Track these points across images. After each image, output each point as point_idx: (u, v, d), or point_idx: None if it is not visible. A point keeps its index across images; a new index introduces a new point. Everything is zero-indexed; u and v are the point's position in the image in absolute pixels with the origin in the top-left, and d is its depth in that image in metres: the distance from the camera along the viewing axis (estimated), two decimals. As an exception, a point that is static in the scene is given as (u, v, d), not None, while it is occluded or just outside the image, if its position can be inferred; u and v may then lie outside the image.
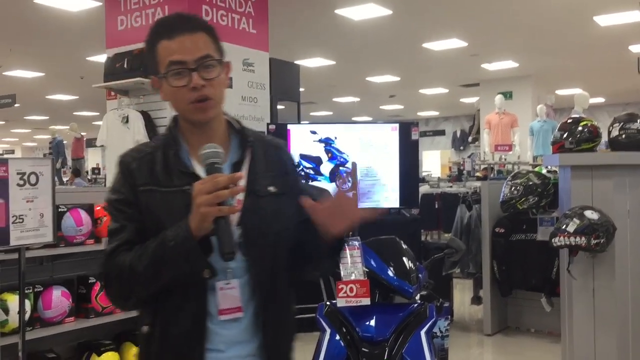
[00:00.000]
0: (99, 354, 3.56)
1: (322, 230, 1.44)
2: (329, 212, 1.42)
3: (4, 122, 20.59)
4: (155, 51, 1.46)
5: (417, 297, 2.34)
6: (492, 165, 9.49)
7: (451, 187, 8.58)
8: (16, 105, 12.14)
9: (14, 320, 3.13)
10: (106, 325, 3.63)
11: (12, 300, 3.15)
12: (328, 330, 2.16)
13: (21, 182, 2.75)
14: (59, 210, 3.39)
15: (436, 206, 8.17)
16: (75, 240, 3.49)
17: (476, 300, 6.01)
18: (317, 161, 5.98)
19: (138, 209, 1.44)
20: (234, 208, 1.34)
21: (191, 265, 1.35)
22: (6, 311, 3.12)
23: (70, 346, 3.62)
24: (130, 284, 1.38)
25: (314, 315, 2.34)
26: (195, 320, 1.41)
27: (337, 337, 2.15)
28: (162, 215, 1.42)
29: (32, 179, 2.80)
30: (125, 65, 5.80)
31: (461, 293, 7.19)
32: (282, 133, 5.99)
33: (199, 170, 1.44)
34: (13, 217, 2.74)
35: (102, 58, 7.08)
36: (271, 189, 1.49)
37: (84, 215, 3.54)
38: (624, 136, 4.08)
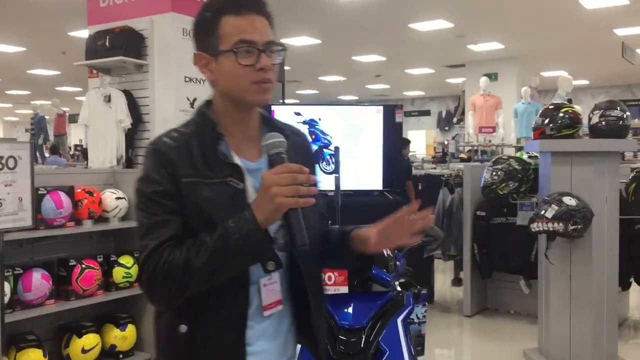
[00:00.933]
0: (80, 336, 3.57)
1: (364, 243, 1.46)
2: (386, 232, 1.43)
3: (-16, 97, 20.32)
4: (218, 25, 1.40)
5: (396, 285, 2.37)
6: (476, 148, 9.55)
7: (435, 168, 8.63)
8: (-3, 79, 11.97)
9: (-7, 303, 3.12)
10: (87, 307, 3.63)
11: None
12: (306, 318, 2.18)
13: (-1, 166, 2.73)
14: (39, 192, 3.37)
15: (420, 187, 8.24)
16: (56, 222, 3.47)
17: (457, 282, 6.10)
18: (300, 143, 5.98)
19: (180, 201, 1.36)
20: (309, 200, 1.28)
21: (258, 258, 1.33)
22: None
23: (51, 328, 3.62)
24: (185, 281, 1.31)
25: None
26: (240, 316, 1.38)
27: (315, 325, 2.16)
28: (208, 209, 1.35)
29: (11, 162, 2.78)
30: (107, 44, 5.71)
31: (442, 274, 7.28)
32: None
33: (238, 160, 1.41)
34: (-9, 201, 2.72)
35: (84, 33, 6.98)
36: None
37: (64, 197, 3.51)
38: (604, 123, 4.13)
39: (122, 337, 3.77)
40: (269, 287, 1.40)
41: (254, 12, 1.41)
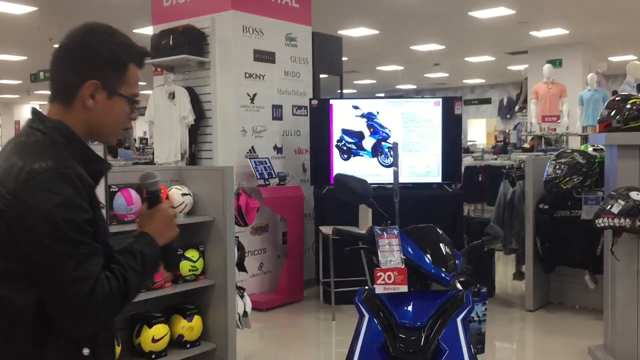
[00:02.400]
0: (150, 326, 3.74)
1: None
2: None
3: (55, 92, 21.17)
4: (127, 70, 1.51)
5: (456, 284, 2.38)
6: (540, 135, 9.31)
7: (496, 159, 8.49)
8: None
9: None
10: (156, 299, 3.79)
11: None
12: (367, 316, 2.23)
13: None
14: (111, 190, 3.55)
15: (480, 179, 8.13)
16: (127, 218, 3.64)
17: (518, 275, 6.01)
18: (359, 136, 6.02)
19: (96, 228, 1.39)
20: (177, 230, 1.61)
21: (152, 278, 1.51)
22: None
23: (123, 318, 3.81)
24: (126, 304, 1.42)
25: (356, 288, 2.45)
26: (114, 337, 1.61)
27: (375, 322, 2.22)
28: (105, 231, 1.46)
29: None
30: (170, 42, 5.91)
31: (504, 266, 7.18)
32: (324, 108, 6.03)
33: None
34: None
35: (148, 30, 7.20)
36: None
37: (134, 194, 3.68)
38: (674, 114, 3.97)
39: (189, 327, 3.93)
40: None
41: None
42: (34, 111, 1.51)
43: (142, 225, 1.59)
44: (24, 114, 25.88)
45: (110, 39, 1.50)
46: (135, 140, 18.87)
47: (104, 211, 1.61)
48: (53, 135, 1.42)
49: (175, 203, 4.05)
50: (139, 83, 1.56)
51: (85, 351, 1.41)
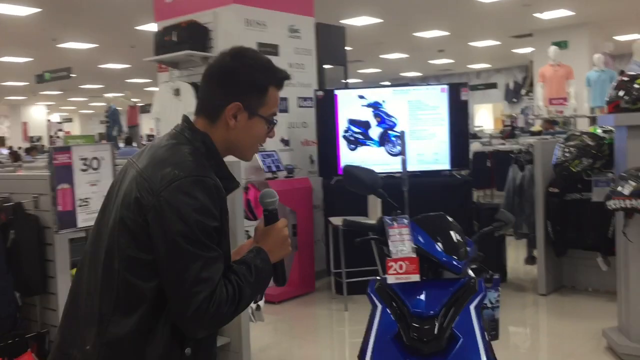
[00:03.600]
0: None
1: None
2: None
3: (62, 92, 21.28)
4: (266, 92, 1.61)
5: (468, 271, 2.38)
6: (552, 119, 9.25)
7: (504, 144, 8.45)
8: (72, 75, 12.54)
9: (84, 294, 3.33)
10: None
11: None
12: (379, 306, 2.22)
13: (84, 167, 2.90)
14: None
15: (488, 164, 8.10)
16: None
17: (530, 260, 5.99)
18: (365, 126, 6.00)
19: (222, 236, 1.51)
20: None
21: (262, 292, 1.57)
22: (77, 285, 3.33)
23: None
24: (235, 311, 1.48)
25: (367, 278, 2.45)
26: (215, 341, 1.68)
27: (388, 312, 2.21)
28: (228, 241, 1.57)
29: (94, 163, 2.95)
30: (174, 38, 5.90)
31: (515, 251, 7.15)
32: (329, 98, 6.02)
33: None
34: (79, 200, 2.91)
35: (151, 27, 7.21)
36: None
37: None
38: (683, 93, 3.93)
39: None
40: None
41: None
42: (186, 119, 1.63)
43: (257, 240, 1.66)
44: (31, 114, 26.01)
45: (253, 64, 1.60)
46: (142, 137, 18.94)
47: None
48: (198, 146, 1.55)
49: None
50: (277, 102, 1.65)
51: (187, 351, 1.50)
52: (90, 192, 2.97)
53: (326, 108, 5.98)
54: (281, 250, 1.64)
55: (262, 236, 1.66)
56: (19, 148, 18.07)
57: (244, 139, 1.61)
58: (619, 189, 3.76)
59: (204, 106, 1.62)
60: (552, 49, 10.41)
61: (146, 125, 22.57)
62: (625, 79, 4.15)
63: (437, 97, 5.95)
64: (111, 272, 1.47)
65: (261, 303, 4.31)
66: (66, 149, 2.88)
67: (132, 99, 15.35)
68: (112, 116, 15.14)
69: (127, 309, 1.45)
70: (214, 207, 1.46)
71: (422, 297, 2.20)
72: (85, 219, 2.95)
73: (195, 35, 5.85)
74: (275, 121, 1.65)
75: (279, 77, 1.63)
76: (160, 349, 1.45)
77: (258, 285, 1.54)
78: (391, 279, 2.18)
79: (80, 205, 2.93)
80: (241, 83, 1.58)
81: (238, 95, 1.57)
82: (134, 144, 14.41)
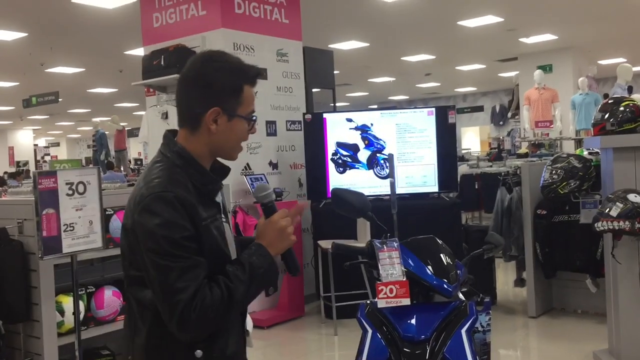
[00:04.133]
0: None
1: None
2: None
3: (48, 116, 21.20)
4: (241, 92, 1.62)
5: (458, 295, 2.36)
6: (537, 142, 9.33)
7: (491, 166, 8.50)
8: (59, 100, 12.50)
9: (69, 321, 3.28)
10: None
11: (67, 302, 3.30)
12: (370, 331, 2.20)
13: (70, 192, 2.87)
14: (106, 213, 3.51)
15: (476, 186, 8.12)
16: (123, 241, 3.61)
17: (519, 282, 5.98)
18: (354, 149, 6.01)
19: (201, 243, 1.53)
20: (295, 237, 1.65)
21: (271, 285, 1.52)
22: (62, 312, 3.28)
23: (123, 342, 3.77)
24: (228, 313, 1.53)
25: (357, 302, 2.42)
26: (242, 338, 1.68)
27: (379, 337, 2.19)
28: (217, 244, 1.59)
29: (80, 188, 2.92)
30: (162, 62, 5.90)
31: (504, 273, 7.15)
32: (318, 122, 6.03)
33: (218, 198, 1.67)
34: (64, 225, 2.87)
35: (139, 52, 7.21)
36: None
37: (130, 216, 3.65)
38: (668, 115, 3.97)
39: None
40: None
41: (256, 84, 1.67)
42: (165, 135, 1.68)
43: (257, 236, 1.67)
44: (18, 139, 25.83)
45: (224, 66, 1.62)
46: (130, 161, 18.86)
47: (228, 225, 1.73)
48: (174, 159, 1.60)
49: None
50: (253, 98, 1.67)
51: (198, 353, 1.55)
52: (76, 216, 2.93)
53: (315, 131, 5.99)
54: (281, 241, 1.62)
55: (261, 231, 1.66)
56: (5, 173, 17.92)
57: (227, 140, 1.64)
58: (607, 210, 3.78)
59: (184, 116, 1.65)
60: (537, 72, 10.54)
61: (134, 149, 22.50)
62: (610, 101, 4.20)
63: (424, 120, 5.99)
64: (126, 291, 1.65)
65: (250, 328, 4.25)
66: (52, 173, 2.85)
67: (120, 123, 15.30)
68: (99, 140, 15.08)
69: (142, 321, 1.58)
70: (180, 218, 1.50)
71: (413, 321, 2.18)
72: (71, 244, 2.91)
73: (183, 59, 5.82)
74: (254, 117, 1.67)
75: (252, 75, 1.65)
76: (169, 352, 1.56)
77: (254, 281, 1.55)
78: (381, 303, 2.16)
79: (66, 230, 2.89)
80: (216, 87, 1.59)
81: (214, 99, 1.59)
82: (122, 168, 14.34)
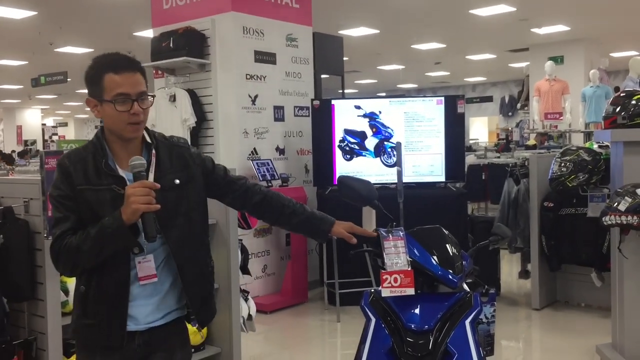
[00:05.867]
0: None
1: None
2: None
3: (57, 96, 21.18)
4: (102, 80, 1.90)
5: (463, 286, 2.35)
6: (548, 133, 9.27)
7: (499, 157, 8.46)
8: (68, 79, 12.48)
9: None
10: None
11: (71, 282, 3.29)
12: (373, 320, 2.19)
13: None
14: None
15: (483, 177, 8.09)
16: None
17: (524, 274, 5.97)
18: (361, 136, 5.98)
19: (76, 202, 1.90)
20: (156, 206, 1.82)
21: (124, 245, 1.86)
22: (66, 292, 3.27)
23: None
24: (77, 259, 1.88)
25: (361, 289, 2.41)
26: (122, 281, 1.92)
27: (382, 326, 2.18)
28: (95, 207, 1.89)
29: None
30: (171, 45, 5.88)
31: (509, 265, 7.13)
32: (326, 108, 6.00)
33: (122, 172, 1.93)
34: (70, 205, 2.86)
35: (148, 33, 7.18)
36: (176, 181, 1.99)
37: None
38: (680, 110, 3.92)
39: (193, 331, 3.88)
40: (143, 264, 1.93)
41: (129, 70, 1.91)
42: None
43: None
44: (26, 118, 25.88)
45: (92, 64, 1.95)
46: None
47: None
48: (93, 139, 2.00)
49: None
50: (121, 83, 1.88)
51: (82, 288, 1.96)
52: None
53: (322, 118, 5.96)
54: (127, 206, 1.81)
55: None
56: (12, 152, 17.97)
57: (109, 122, 1.93)
58: (615, 205, 3.74)
59: None
60: (548, 63, 10.46)
61: (141, 131, 22.49)
62: (622, 94, 4.15)
63: (433, 109, 5.95)
64: None
65: (253, 313, 4.27)
66: (59, 153, 2.84)
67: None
68: (107, 121, 15.05)
69: None
70: (60, 181, 1.92)
71: (417, 311, 2.17)
72: (76, 224, 2.90)
73: (192, 42, 5.83)
74: (118, 99, 1.88)
75: (108, 62, 1.91)
76: (75, 287, 2.02)
77: (104, 239, 1.83)
78: (386, 292, 2.15)
79: (72, 211, 2.88)
80: (86, 81, 1.96)
81: (89, 91, 1.95)
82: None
